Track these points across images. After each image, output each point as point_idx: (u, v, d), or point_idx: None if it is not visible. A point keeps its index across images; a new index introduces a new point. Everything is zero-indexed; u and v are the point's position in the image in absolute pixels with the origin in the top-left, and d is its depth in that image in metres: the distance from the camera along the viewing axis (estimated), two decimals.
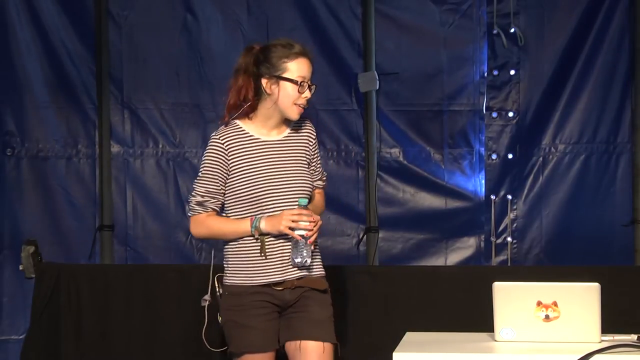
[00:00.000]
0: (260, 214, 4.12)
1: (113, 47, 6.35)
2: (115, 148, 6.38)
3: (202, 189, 4.16)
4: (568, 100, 6.21)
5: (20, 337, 5.93)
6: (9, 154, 6.33)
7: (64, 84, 6.34)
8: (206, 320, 4.26)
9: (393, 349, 3.83)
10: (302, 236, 4.07)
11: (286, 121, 4.21)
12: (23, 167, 6.35)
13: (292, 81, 4.09)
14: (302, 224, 4.05)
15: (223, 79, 6.28)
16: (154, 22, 6.36)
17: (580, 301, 3.86)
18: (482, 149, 6.27)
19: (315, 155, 4.31)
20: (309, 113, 4.26)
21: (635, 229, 6.15)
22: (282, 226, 4.05)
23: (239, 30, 6.32)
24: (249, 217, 4.13)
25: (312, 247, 4.13)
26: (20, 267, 5.68)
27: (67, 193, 6.36)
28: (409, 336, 4.18)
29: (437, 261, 6.23)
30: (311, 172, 4.27)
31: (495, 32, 6.21)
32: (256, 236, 4.11)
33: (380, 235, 6.22)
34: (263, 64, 4.10)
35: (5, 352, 6.23)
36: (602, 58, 6.17)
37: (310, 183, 4.24)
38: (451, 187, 6.30)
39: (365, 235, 6.27)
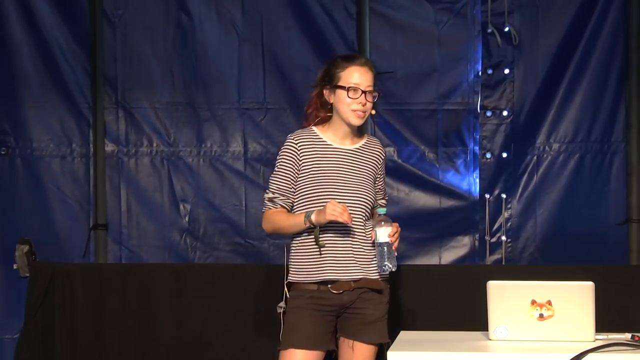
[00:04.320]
0: None
1: (107, 46, 6.34)
2: (109, 147, 6.38)
3: (274, 186, 4.42)
4: (562, 99, 6.21)
5: (15, 336, 5.92)
6: (2, 152, 6.32)
7: (58, 82, 6.33)
8: (282, 326, 4.41)
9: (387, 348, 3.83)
10: (385, 243, 4.26)
11: (359, 134, 4.51)
12: (17, 166, 6.34)
13: (343, 88, 4.35)
14: (385, 231, 4.25)
15: (217, 78, 6.33)
16: (148, 21, 6.35)
17: (574, 300, 3.87)
18: (477, 148, 6.27)
19: (381, 175, 4.55)
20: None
21: (630, 228, 6.16)
22: (327, 214, 4.21)
23: (234, 30, 6.32)
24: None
25: (396, 254, 4.31)
26: (15, 266, 5.68)
27: (61, 192, 6.35)
28: (403, 335, 4.19)
29: (432, 260, 6.23)
30: (375, 190, 4.49)
31: (489, 31, 6.21)
32: (307, 225, 4.30)
33: None
34: (326, 77, 4.44)
35: (0, 352, 6.22)
36: (596, 57, 6.18)
37: (372, 196, 4.45)
38: (445, 186, 6.30)
39: None
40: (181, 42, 6.33)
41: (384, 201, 4.60)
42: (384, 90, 6.24)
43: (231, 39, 6.33)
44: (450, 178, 6.30)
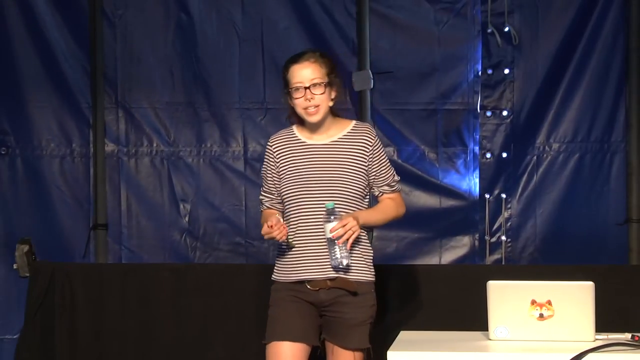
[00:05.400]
0: (297, 212, 4.34)
1: (107, 47, 6.34)
2: (109, 147, 6.38)
3: (262, 189, 4.48)
4: (562, 99, 6.21)
5: (15, 336, 5.92)
6: (3, 152, 6.32)
7: (58, 83, 6.33)
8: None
9: (387, 348, 3.83)
10: (329, 238, 4.22)
11: (338, 126, 4.42)
12: (17, 166, 6.35)
13: (289, 92, 4.35)
14: (330, 226, 4.20)
15: (217, 78, 6.34)
16: (148, 22, 6.36)
17: (574, 300, 3.87)
18: (477, 148, 6.27)
19: (376, 161, 4.42)
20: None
21: (629, 228, 6.15)
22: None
23: (234, 30, 6.32)
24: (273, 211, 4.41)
25: (347, 248, 4.24)
26: (15, 266, 5.68)
27: (62, 192, 6.35)
28: (403, 335, 4.19)
29: (432, 260, 6.22)
30: (371, 178, 4.41)
31: (489, 31, 6.21)
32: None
33: (375, 234, 6.19)
34: (283, 84, 4.43)
35: (0, 352, 6.22)
36: (596, 57, 6.17)
37: (356, 188, 4.35)
38: (445, 186, 6.30)
39: None
40: (181, 42, 6.33)
41: (387, 187, 4.46)
42: (383, 90, 6.27)
43: (231, 39, 6.33)
44: (450, 178, 6.29)
